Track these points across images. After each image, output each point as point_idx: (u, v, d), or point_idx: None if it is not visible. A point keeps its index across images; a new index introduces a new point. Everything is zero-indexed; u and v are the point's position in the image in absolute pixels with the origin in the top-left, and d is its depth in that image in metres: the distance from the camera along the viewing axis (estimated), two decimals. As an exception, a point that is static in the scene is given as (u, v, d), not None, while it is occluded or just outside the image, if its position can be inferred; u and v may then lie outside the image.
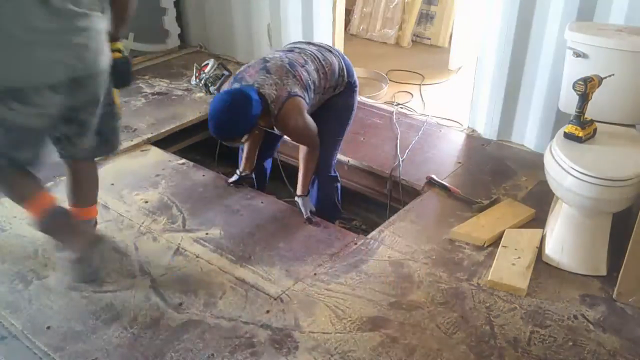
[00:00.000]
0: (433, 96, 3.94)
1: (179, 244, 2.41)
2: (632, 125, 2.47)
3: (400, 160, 3.01)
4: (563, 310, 2.10)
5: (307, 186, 2.61)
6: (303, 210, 2.58)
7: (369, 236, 2.50)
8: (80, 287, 2.17)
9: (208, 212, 2.63)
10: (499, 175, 2.92)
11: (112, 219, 2.56)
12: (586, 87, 2.20)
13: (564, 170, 2.14)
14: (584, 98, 2.24)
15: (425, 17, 5.00)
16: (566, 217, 2.27)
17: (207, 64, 3.91)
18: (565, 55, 2.56)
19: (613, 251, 2.24)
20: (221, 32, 4.33)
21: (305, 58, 2.44)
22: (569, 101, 2.51)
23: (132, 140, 3.18)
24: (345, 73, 2.54)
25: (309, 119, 2.41)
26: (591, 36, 2.43)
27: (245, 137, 2.32)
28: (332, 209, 2.80)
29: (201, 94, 3.76)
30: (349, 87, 2.59)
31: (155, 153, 3.12)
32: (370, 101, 3.73)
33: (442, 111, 3.62)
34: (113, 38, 2.06)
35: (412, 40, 5.02)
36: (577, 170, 2.09)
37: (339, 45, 3.76)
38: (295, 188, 2.65)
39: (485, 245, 2.41)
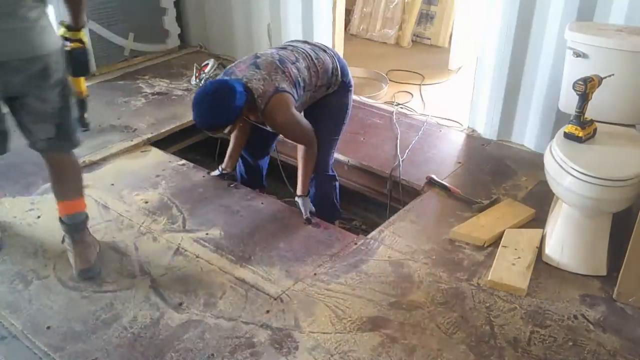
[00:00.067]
0: (433, 96, 3.94)
1: (179, 244, 2.41)
2: (632, 125, 2.47)
3: (400, 160, 3.01)
4: (563, 310, 2.10)
5: (307, 186, 2.62)
6: (303, 210, 2.58)
7: (369, 236, 2.50)
8: (80, 287, 2.17)
9: (208, 212, 2.63)
10: (499, 175, 2.92)
11: (112, 219, 2.56)
12: (586, 87, 2.20)
13: (564, 170, 2.14)
14: (584, 98, 2.24)
15: (425, 17, 5.00)
16: (566, 217, 2.27)
17: (207, 64, 3.92)
18: (565, 55, 2.56)
19: (613, 251, 2.24)
20: (221, 32, 4.33)
21: (296, 55, 2.46)
22: (569, 101, 2.51)
23: (132, 141, 3.18)
24: (339, 72, 2.55)
25: (298, 115, 2.43)
26: (591, 36, 2.43)
27: (228, 128, 2.34)
28: (330, 209, 2.80)
29: (201, 94, 3.76)
30: (343, 87, 2.60)
31: (156, 154, 3.12)
32: (370, 101, 3.73)
33: (442, 111, 3.62)
34: (74, 28, 2.11)
35: (412, 40, 5.03)
36: (577, 170, 2.09)
37: (339, 45, 3.76)
38: (295, 188, 2.65)
39: (485, 245, 2.41)
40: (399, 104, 3.73)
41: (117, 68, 4.14)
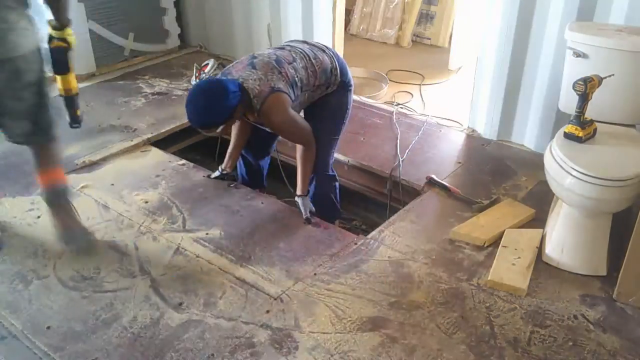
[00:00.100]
0: (433, 96, 3.94)
1: (179, 244, 2.41)
2: (632, 125, 2.47)
3: (400, 160, 3.01)
4: (563, 310, 2.10)
5: (306, 186, 2.62)
6: (302, 210, 2.58)
7: (369, 236, 2.50)
8: (80, 287, 2.17)
9: (208, 212, 2.63)
10: (499, 175, 2.92)
11: (112, 219, 2.56)
12: (586, 87, 2.20)
13: (564, 170, 2.14)
14: (584, 98, 2.24)
15: (425, 17, 5.00)
16: (566, 217, 2.26)
17: (207, 64, 3.92)
18: (565, 55, 2.56)
19: (613, 251, 2.24)
20: (221, 32, 4.33)
21: (294, 56, 2.46)
22: (569, 101, 2.51)
23: (132, 141, 3.18)
24: (338, 72, 2.55)
25: (295, 115, 2.43)
26: (591, 36, 2.43)
27: (220, 128, 2.34)
28: (330, 209, 2.80)
29: (201, 94, 3.76)
30: (343, 87, 2.60)
31: (156, 154, 3.12)
32: (370, 101, 3.73)
33: (442, 111, 3.62)
34: (58, 27, 2.21)
35: (412, 40, 5.03)
36: (577, 171, 2.09)
37: (339, 45, 3.76)
38: (295, 188, 2.65)
39: (485, 245, 2.41)
40: (399, 104, 3.73)
41: (117, 68, 4.14)
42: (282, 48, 2.53)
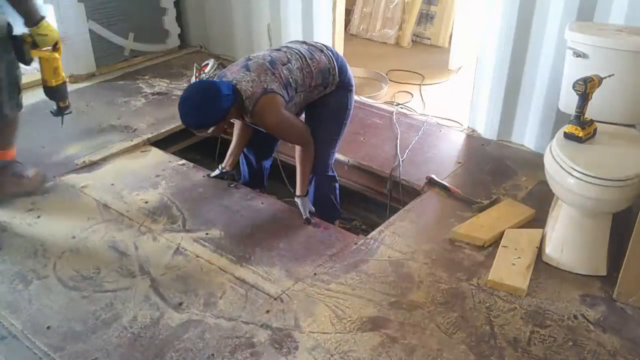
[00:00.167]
0: (433, 96, 3.94)
1: (179, 244, 2.41)
2: (632, 125, 2.47)
3: (400, 160, 3.01)
4: (563, 310, 2.10)
5: (306, 186, 2.62)
6: (302, 210, 2.58)
7: (369, 236, 2.50)
8: (80, 287, 2.17)
9: (208, 212, 2.63)
10: (499, 175, 2.92)
11: (112, 219, 2.56)
12: (586, 87, 2.20)
13: (564, 170, 2.14)
14: (584, 98, 2.23)
15: (425, 17, 5.00)
16: (566, 217, 2.26)
17: (207, 64, 3.92)
18: (565, 55, 2.56)
19: (613, 251, 2.24)
20: (221, 32, 4.33)
21: (289, 57, 2.46)
22: (569, 101, 2.51)
23: (132, 141, 3.18)
24: (337, 72, 2.55)
25: (289, 115, 2.44)
26: (591, 36, 2.43)
27: (212, 129, 2.35)
28: (330, 209, 2.80)
29: (201, 94, 3.76)
30: (342, 86, 2.60)
31: (156, 154, 3.12)
32: (370, 101, 3.73)
33: (442, 111, 3.62)
34: (29, 25, 2.40)
35: (412, 40, 5.03)
36: (577, 171, 2.09)
37: (339, 45, 3.76)
38: (295, 188, 2.65)
39: (485, 245, 2.41)
40: (399, 104, 3.73)
41: (117, 68, 4.14)
42: (278, 49, 2.54)
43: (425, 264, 2.31)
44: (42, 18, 2.45)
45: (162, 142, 3.28)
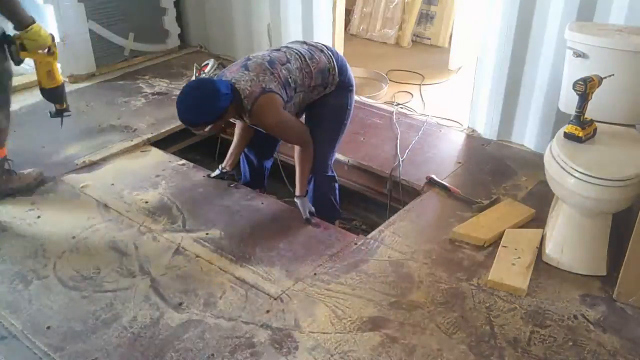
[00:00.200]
0: (433, 96, 3.94)
1: (179, 244, 2.41)
2: (632, 125, 2.47)
3: (400, 160, 3.01)
4: (563, 310, 2.10)
5: (305, 186, 2.62)
6: (302, 210, 2.58)
7: (369, 236, 2.50)
8: (80, 287, 2.17)
9: (208, 212, 2.63)
10: (499, 175, 2.92)
11: (112, 219, 2.56)
12: (586, 87, 2.20)
13: (564, 170, 2.14)
14: (584, 98, 2.23)
15: (425, 17, 5.00)
16: (566, 217, 2.26)
17: (207, 64, 3.91)
18: (565, 55, 2.56)
19: (613, 251, 2.24)
20: (221, 32, 4.33)
21: (288, 57, 2.46)
22: (569, 101, 2.51)
23: (132, 141, 3.18)
24: (336, 72, 2.55)
25: (287, 115, 2.44)
26: (591, 36, 2.43)
27: (208, 127, 2.35)
28: (330, 209, 2.80)
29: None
30: (342, 87, 2.59)
31: (156, 154, 3.12)
32: (370, 101, 3.73)
33: (442, 111, 3.62)
34: (18, 29, 2.42)
35: (412, 40, 5.03)
36: (577, 171, 2.09)
37: (339, 45, 3.76)
38: (295, 188, 2.65)
39: (485, 245, 2.41)
40: (399, 104, 3.73)
41: (117, 68, 4.14)
42: (277, 49, 2.54)
43: (425, 264, 2.31)
44: (32, 23, 2.46)
45: (162, 142, 3.28)
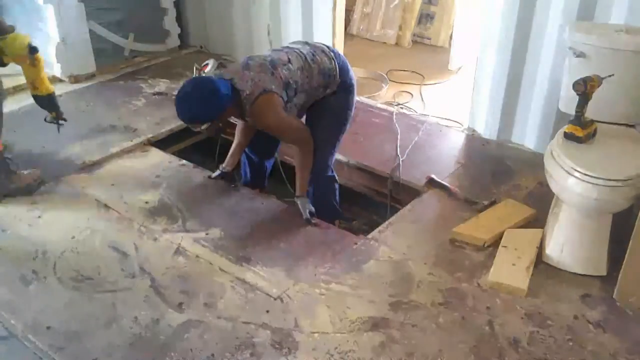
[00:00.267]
0: (433, 96, 3.94)
1: (179, 244, 2.41)
2: (632, 125, 2.47)
3: (400, 160, 3.01)
4: (563, 310, 2.09)
5: (305, 186, 2.61)
6: (302, 210, 2.58)
7: (369, 236, 2.50)
8: (80, 287, 2.17)
9: (208, 212, 2.63)
10: (499, 175, 2.92)
11: (113, 219, 2.56)
12: (586, 87, 2.20)
13: (564, 170, 2.14)
14: (584, 98, 2.23)
15: (425, 17, 5.00)
16: (566, 217, 2.26)
17: (207, 64, 3.91)
18: (566, 55, 2.56)
19: (613, 251, 2.24)
20: (221, 32, 4.33)
21: (289, 57, 2.46)
22: (569, 101, 2.51)
23: (132, 141, 3.18)
24: (337, 73, 2.55)
25: (286, 115, 2.44)
26: (591, 36, 2.43)
27: (206, 125, 2.35)
28: (330, 210, 2.80)
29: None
30: (343, 87, 2.59)
31: (156, 154, 3.12)
32: (370, 101, 3.73)
33: (442, 111, 3.62)
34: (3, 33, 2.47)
35: (412, 40, 5.02)
36: (577, 171, 2.09)
37: (339, 45, 3.76)
38: (295, 188, 2.65)
39: (485, 245, 2.41)
40: (399, 104, 3.73)
41: (117, 68, 4.14)
42: (279, 50, 2.54)
43: (426, 264, 2.31)
44: (11, 31, 2.49)
45: (162, 142, 3.28)
